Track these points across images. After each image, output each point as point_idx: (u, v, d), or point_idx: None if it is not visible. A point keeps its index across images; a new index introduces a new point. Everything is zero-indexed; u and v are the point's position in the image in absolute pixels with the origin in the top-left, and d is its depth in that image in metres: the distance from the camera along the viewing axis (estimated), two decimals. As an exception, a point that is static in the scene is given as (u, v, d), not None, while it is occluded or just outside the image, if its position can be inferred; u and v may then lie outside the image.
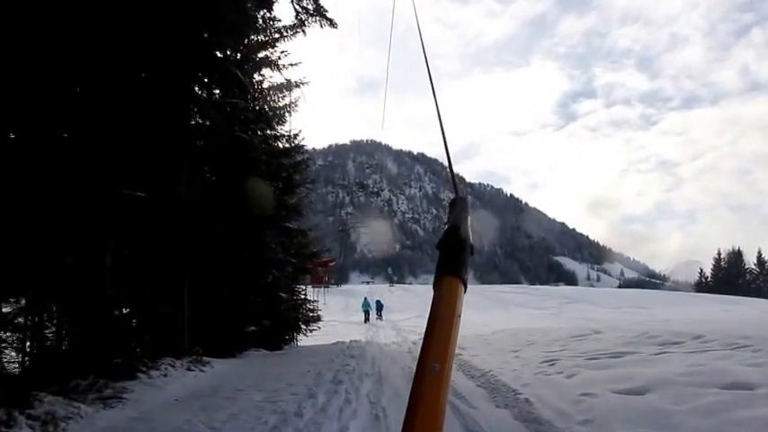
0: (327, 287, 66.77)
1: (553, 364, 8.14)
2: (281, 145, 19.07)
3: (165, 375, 8.56)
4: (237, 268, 13.48)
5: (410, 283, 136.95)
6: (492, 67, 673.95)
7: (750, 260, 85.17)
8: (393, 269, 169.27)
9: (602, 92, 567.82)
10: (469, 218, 0.94)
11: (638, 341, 9.47)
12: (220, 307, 12.68)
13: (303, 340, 20.46)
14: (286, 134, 19.02)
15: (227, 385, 8.50)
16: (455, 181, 1.08)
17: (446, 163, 1.10)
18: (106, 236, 9.50)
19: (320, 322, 21.20)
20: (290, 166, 19.07)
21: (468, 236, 0.89)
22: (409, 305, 49.13)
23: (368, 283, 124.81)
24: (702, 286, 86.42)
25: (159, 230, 10.56)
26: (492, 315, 39.56)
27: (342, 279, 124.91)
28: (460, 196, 0.98)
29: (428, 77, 1.30)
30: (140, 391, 7.55)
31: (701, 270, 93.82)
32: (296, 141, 19.27)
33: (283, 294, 15.63)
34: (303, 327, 20.20)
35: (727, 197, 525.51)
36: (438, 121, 1.15)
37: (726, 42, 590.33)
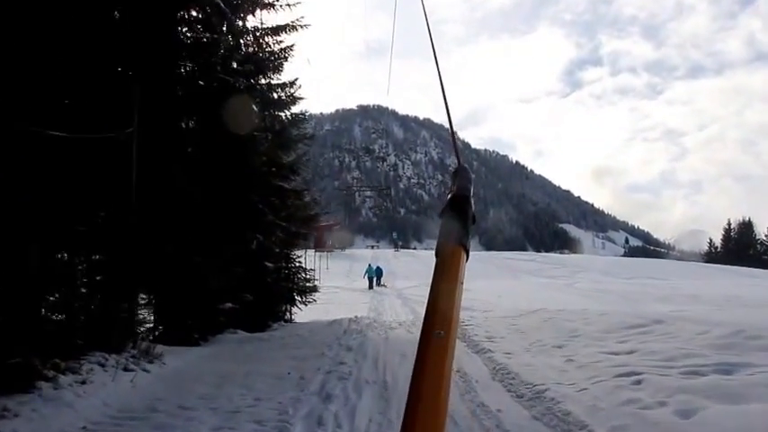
0: (331, 251, 64.47)
1: (639, 383, 5.59)
2: (275, 95, 16.36)
3: (84, 382, 6.04)
4: (213, 233, 10.98)
5: (414, 248, 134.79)
6: (498, 34, 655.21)
7: (761, 231, 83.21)
8: (398, 233, 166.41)
9: (608, 60, 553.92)
10: (472, 187, 0.96)
11: (736, 343, 6.92)
12: (189, 280, 10.20)
13: (298, 314, 18.16)
14: (281, 82, 16.28)
15: (172, 397, 6.02)
16: (458, 150, 1.09)
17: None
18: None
19: (317, 293, 18.70)
20: (285, 118, 16.40)
21: (470, 205, 0.91)
22: (415, 271, 46.98)
23: (373, 247, 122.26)
24: (712, 256, 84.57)
25: (96, 183, 7.99)
26: (503, 284, 37.42)
27: (347, 243, 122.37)
28: (463, 166, 1.00)
29: (433, 57, 1.32)
30: (29, 413, 5.06)
31: (711, 240, 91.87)
32: (292, 90, 16.48)
33: (269, 264, 13.09)
34: (298, 298, 17.81)
35: (732, 168, 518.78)
36: (442, 94, 1.18)
37: (732, 11, 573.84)
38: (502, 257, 66.51)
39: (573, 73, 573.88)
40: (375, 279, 37.81)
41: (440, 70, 1.20)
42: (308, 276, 18.09)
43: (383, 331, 11.69)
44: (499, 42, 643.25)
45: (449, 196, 0.93)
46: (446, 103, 1.15)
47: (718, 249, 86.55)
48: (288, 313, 17.66)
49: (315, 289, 18.14)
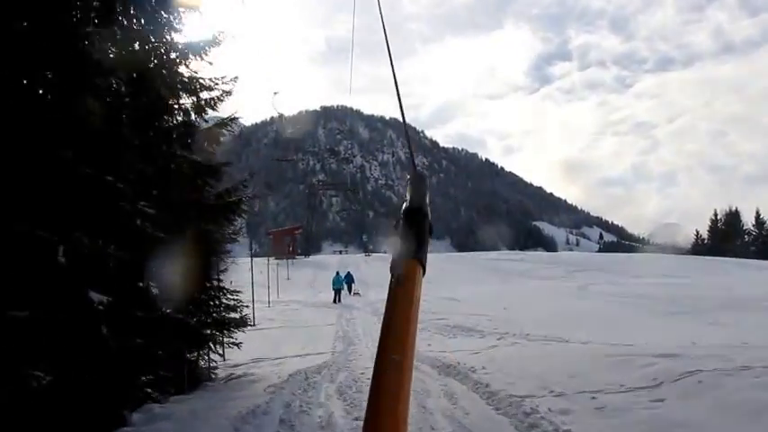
0: (293, 259, 57.26)
1: None
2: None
3: None
4: None
5: (385, 252, 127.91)
6: (464, 30, 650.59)
7: (748, 220, 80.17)
8: (368, 237, 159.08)
9: (577, 54, 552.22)
10: (428, 196, 0.90)
11: None
12: None
13: (233, 352, 11.49)
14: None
15: None
16: (413, 157, 1.05)
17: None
18: None
19: (249, 327, 11.57)
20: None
21: (427, 215, 0.86)
22: (389, 278, 40.14)
23: (341, 252, 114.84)
24: (699, 248, 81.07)
25: None
26: (498, 290, 31.09)
27: (313, 249, 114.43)
28: (419, 173, 0.95)
29: (388, 55, 1.27)
30: None
31: (697, 232, 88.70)
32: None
33: (99, 296, 5.92)
34: (217, 334, 10.81)
35: (703, 159, 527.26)
36: (398, 101, 1.13)
37: (699, 4, 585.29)
38: (485, 258, 60.03)
39: (541, 68, 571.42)
40: (346, 287, 32.40)
41: (395, 76, 1.17)
42: (232, 303, 10.97)
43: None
44: (465, 39, 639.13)
45: (403, 207, 0.87)
46: (402, 113, 1.11)
47: (705, 241, 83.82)
48: (202, 361, 10.65)
49: (243, 323, 10.99)
